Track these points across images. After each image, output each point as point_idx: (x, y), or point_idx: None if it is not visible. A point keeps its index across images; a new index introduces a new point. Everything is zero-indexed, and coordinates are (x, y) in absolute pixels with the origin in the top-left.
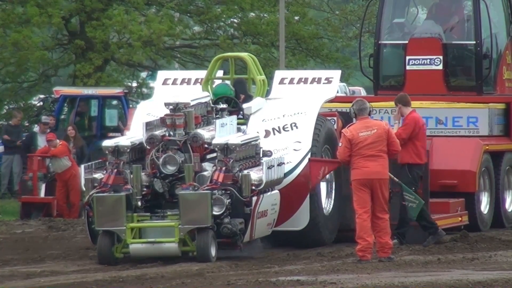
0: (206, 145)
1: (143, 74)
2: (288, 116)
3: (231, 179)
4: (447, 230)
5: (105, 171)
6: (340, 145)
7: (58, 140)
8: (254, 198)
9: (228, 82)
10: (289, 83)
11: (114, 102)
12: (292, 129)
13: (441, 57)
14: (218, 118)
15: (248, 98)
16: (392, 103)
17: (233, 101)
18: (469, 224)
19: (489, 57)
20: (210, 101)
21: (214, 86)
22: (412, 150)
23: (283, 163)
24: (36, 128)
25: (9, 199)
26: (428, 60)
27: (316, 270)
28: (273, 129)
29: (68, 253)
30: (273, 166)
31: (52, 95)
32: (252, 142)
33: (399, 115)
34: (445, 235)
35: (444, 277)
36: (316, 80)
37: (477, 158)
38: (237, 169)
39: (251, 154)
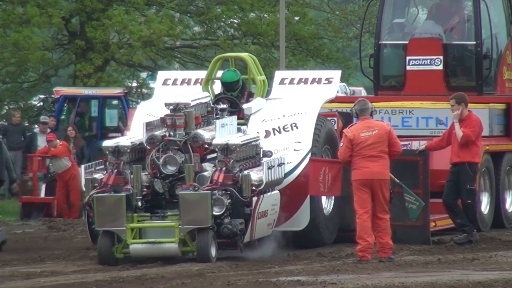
0: (206, 145)
1: (143, 75)
2: (289, 116)
3: (231, 179)
4: (447, 230)
5: (105, 171)
6: (341, 145)
7: (58, 141)
8: (255, 199)
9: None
10: (289, 83)
11: (114, 102)
12: (292, 129)
13: (441, 57)
14: (218, 118)
15: (251, 95)
16: (392, 103)
17: (235, 101)
18: None
19: (489, 57)
20: (210, 101)
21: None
22: (474, 149)
23: (284, 163)
24: (36, 129)
25: (9, 199)
26: (428, 61)
27: (316, 271)
28: (273, 129)
29: (68, 254)
30: (273, 166)
31: (52, 95)
32: (253, 143)
33: (459, 114)
34: (477, 238)
35: (444, 277)
36: (316, 80)
37: None
38: (238, 169)
39: (251, 154)
